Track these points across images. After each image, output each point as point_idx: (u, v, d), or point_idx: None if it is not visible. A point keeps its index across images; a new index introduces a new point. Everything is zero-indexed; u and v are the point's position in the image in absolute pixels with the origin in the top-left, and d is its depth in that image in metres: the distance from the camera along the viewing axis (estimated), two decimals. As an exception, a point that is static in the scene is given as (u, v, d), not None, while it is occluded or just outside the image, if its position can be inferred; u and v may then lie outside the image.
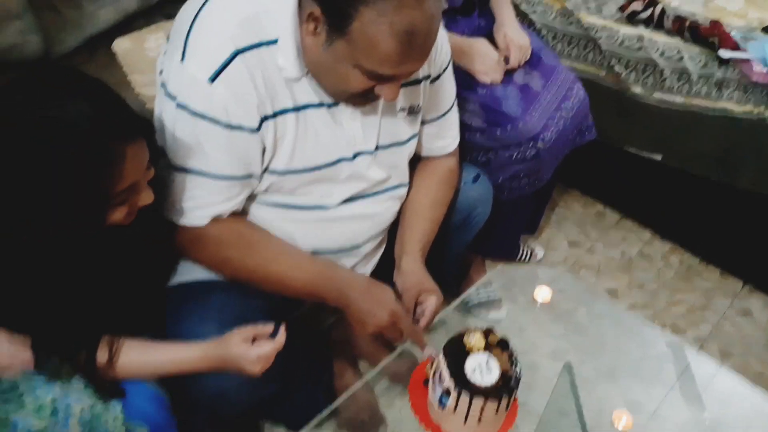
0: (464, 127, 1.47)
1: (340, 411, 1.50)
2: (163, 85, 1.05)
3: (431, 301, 1.20)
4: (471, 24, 1.57)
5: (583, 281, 1.98)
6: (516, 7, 1.99)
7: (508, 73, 1.55)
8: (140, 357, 1.02)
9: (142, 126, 0.92)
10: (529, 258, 2.00)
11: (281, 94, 1.07)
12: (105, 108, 0.86)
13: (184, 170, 1.07)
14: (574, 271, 2.01)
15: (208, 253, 1.13)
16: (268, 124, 1.07)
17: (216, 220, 1.11)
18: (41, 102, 0.83)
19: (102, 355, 0.99)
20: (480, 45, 1.51)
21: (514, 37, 1.55)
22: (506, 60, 1.55)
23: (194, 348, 1.04)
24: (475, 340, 1.10)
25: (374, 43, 0.94)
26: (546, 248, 2.07)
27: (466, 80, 1.50)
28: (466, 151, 1.51)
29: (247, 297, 1.19)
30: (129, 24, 1.59)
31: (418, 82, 1.22)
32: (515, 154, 1.49)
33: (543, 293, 1.46)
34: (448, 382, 1.06)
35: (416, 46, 0.95)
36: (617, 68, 1.85)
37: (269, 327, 1.04)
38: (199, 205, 1.09)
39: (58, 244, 0.90)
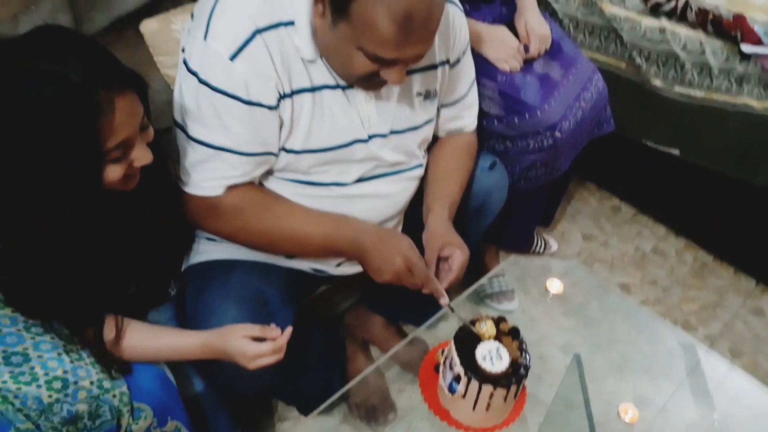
0: (482, 115, 1.47)
1: (351, 395, 1.52)
2: (185, 62, 1.07)
3: (456, 255, 1.18)
4: (493, 12, 1.57)
5: (596, 275, 1.98)
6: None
7: (528, 62, 1.55)
8: (143, 341, 1.04)
9: (132, 79, 0.92)
10: (543, 250, 2.00)
11: (299, 73, 1.08)
12: (94, 61, 0.87)
13: (203, 144, 1.08)
14: (588, 265, 2.01)
15: (224, 221, 1.14)
16: (285, 102, 1.08)
17: (231, 188, 1.12)
18: (34, 57, 0.85)
19: (108, 333, 1.01)
20: (499, 32, 1.51)
21: (535, 26, 1.55)
22: (526, 49, 1.54)
23: (195, 336, 1.06)
24: (486, 327, 1.11)
25: (373, 26, 0.94)
26: (560, 241, 2.07)
27: (485, 67, 1.50)
28: (483, 139, 1.51)
29: (265, 277, 1.21)
30: (157, 6, 1.59)
31: (434, 67, 1.22)
32: (532, 143, 1.49)
33: (555, 285, 1.47)
34: (459, 368, 1.08)
35: (415, 30, 0.95)
36: (638, 60, 1.84)
37: (276, 332, 1.05)
38: (216, 176, 1.10)
39: (63, 209, 0.91)
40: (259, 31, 1.03)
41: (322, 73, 1.10)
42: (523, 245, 1.91)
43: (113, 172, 0.93)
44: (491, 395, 1.07)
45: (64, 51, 0.87)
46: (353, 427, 1.52)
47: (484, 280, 1.74)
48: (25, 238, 0.92)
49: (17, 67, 0.85)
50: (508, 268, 1.88)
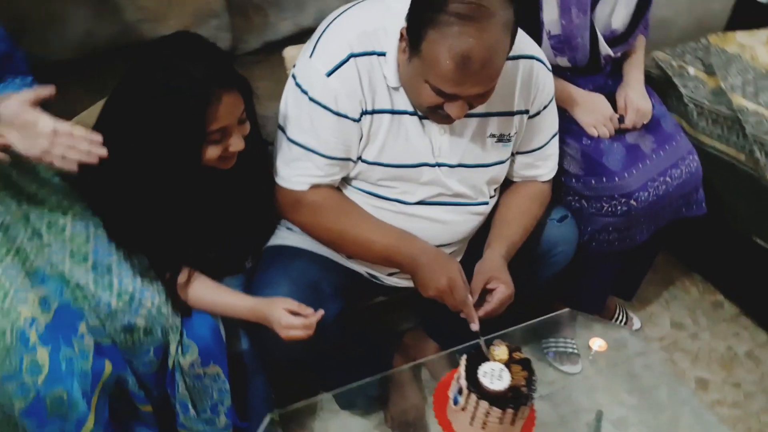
0: (563, 171, 1.55)
1: (391, 406, 1.63)
2: (294, 75, 1.29)
3: (500, 290, 1.27)
4: (596, 81, 1.64)
5: (674, 363, 1.91)
6: (668, 78, 2.02)
7: (622, 132, 1.60)
8: (206, 292, 1.25)
9: (239, 82, 1.14)
10: (624, 324, 1.97)
11: (382, 97, 1.26)
12: (214, 64, 1.11)
13: (297, 144, 1.29)
14: (668, 352, 1.94)
15: (303, 214, 1.33)
16: (367, 118, 1.26)
17: (314, 187, 1.31)
18: (172, 54, 1.11)
19: (181, 278, 1.23)
20: (594, 99, 1.58)
21: (635, 99, 1.60)
22: (622, 119, 1.60)
23: (247, 300, 1.25)
24: (499, 351, 1.19)
25: (436, 62, 1.09)
26: (647, 322, 2.03)
27: (573, 129, 1.58)
28: (562, 194, 1.59)
29: (323, 269, 1.38)
30: (302, 36, 1.87)
31: (511, 114, 1.34)
32: (606, 207, 1.53)
33: (597, 343, 1.47)
34: (463, 381, 1.16)
35: (472, 70, 1.08)
36: (758, 154, 1.80)
37: (309, 311, 1.21)
38: (303, 174, 1.30)
39: (170, 171, 1.15)
40: (353, 56, 1.22)
41: (404, 100, 1.27)
42: (592, 309, 1.90)
43: (212, 152, 1.16)
44: (487, 413, 1.13)
45: (194, 53, 1.12)
46: (384, 435, 1.63)
47: (541, 318, 1.75)
48: (136, 188, 1.17)
49: (158, 60, 1.12)
50: (580, 332, 1.88)
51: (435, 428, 1.57)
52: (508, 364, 1.18)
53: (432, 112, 1.23)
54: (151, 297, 1.17)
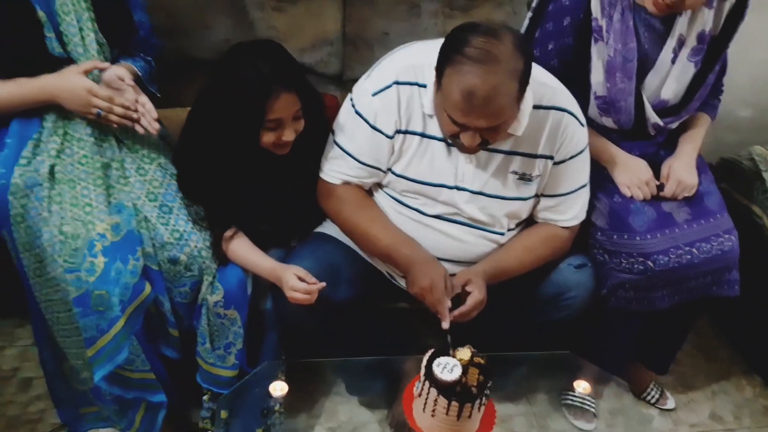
0: (590, 223, 1.64)
1: (395, 406, 1.77)
2: (351, 92, 1.55)
3: (474, 294, 1.42)
4: (644, 148, 1.70)
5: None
6: (758, 171, 2.01)
7: (660, 200, 1.64)
8: (242, 249, 1.51)
9: (299, 85, 1.40)
10: (656, 401, 1.94)
11: (416, 121, 1.47)
12: (282, 67, 1.37)
13: (338, 146, 1.54)
14: (697, 439, 1.88)
15: (331, 203, 1.57)
16: (400, 136, 1.48)
17: (345, 183, 1.55)
18: (252, 54, 1.38)
19: (227, 234, 1.50)
20: (633, 162, 1.65)
21: (678, 171, 1.64)
22: (662, 187, 1.65)
23: (270, 262, 1.49)
24: (461, 352, 1.31)
25: (449, 95, 1.28)
26: (684, 407, 1.98)
27: (607, 185, 1.66)
28: (590, 246, 1.67)
29: (349, 260, 1.59)
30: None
31: (535, 156, 1.48)
32: (624, 263, 1.57)
33: (583, 385, 1.51)
34: (423, 369, 1.30)
35: (476, 104, 1.26)
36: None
37: (313, 280, 1.43)
38: (338, 170, 1.54)
39: (234, 146, 1.43)
40: (397, 83, 1.45)
41: (436, 127, 1.46)
42: (611, 370, 1.88)
43: (267, 137, 1.42)
44: (435, 401, 1.25)
45: (267, 56, 1.39)
46: (381, 430, 1.76)
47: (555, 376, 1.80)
48: (207, 155, 1.47)
49: (240, 58, 1.40)
50: (607, 398, 1.88)
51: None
52: (468, 366, 1.29)
53: (454, 140, 1.41)
54: (197, 240, 1.46)
